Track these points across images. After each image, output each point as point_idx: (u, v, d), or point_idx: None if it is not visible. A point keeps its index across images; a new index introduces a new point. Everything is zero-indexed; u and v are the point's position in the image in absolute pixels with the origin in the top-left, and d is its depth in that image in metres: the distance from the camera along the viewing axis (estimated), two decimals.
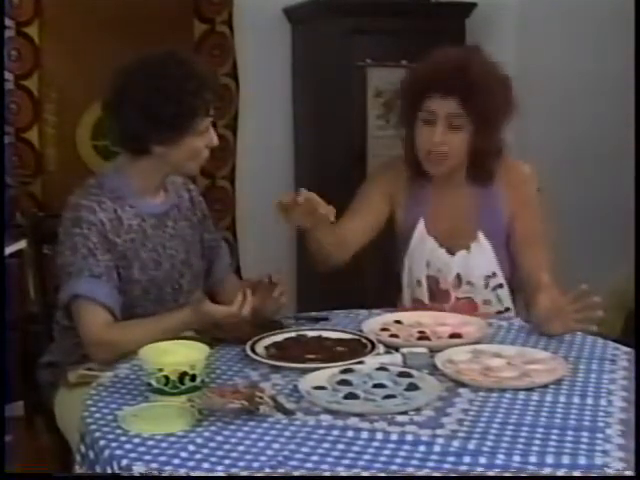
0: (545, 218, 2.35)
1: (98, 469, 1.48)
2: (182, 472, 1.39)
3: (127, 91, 2.01)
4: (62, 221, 2.06)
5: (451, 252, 2.32)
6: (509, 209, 2.32)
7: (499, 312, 2.34)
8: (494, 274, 2.32)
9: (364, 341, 1.95)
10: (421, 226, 2.34)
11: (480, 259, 2.31)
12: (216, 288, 2.29)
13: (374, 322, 2.10)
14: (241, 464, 1.41)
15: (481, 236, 2.31)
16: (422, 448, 1.45)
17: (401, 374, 1.74)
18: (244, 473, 1.39)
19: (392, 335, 2.02)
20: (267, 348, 1.93)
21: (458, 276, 2.33)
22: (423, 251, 2.33)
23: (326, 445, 1.47)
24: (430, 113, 2.23)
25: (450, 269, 2.32)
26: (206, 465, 1.41)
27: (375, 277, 2.85)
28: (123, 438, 1.51)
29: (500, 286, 2.34)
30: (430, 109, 2.23)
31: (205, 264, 2.28)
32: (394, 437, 1.49)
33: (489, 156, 2.29)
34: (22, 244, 2.66)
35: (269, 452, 1.45)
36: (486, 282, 2.33)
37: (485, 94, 2.18)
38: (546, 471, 1.38)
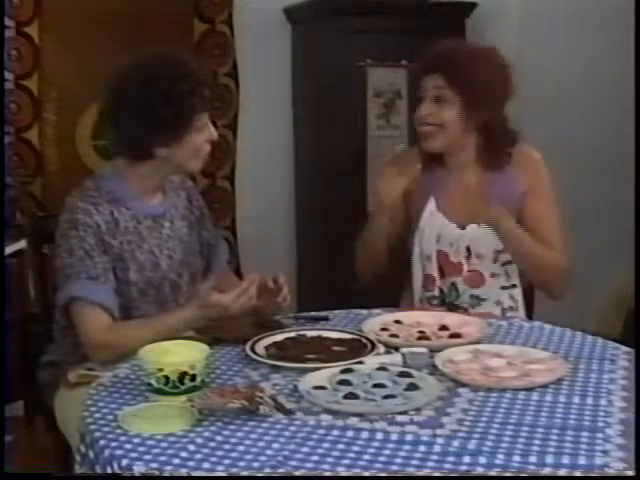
0: (557, 201, 2.40)
1: (98, 469, 1.49)
2: (182, 472, 1.39)
3: (125, 97, 2.02)
4: (59, 223, 2.06)
5: (462, 227, 2.37)
6: (521, 189, 2.37)
7: (504, 287, 2.38)
8: (504, 250, 2.36)
9: (364, 341, 1.95)
10: (432, 204, 2.39)
11: (491, 233, 2.34)
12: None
13: (374, 322, 2.10)
14: (241, 464, 1.41)
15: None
16: (422, 448, 1.45)
17: (401, 374, 1.74)
18: (244, 473, 1.39)
19: (392, 335, 2.02)
20: (267, 348, 1.93)
21: (468, 249, 2.37)
22: (433, 227, 2.38)
23: (326, 445, 1.47)
24: (420, 90, 2.35)
25: (461, 242, 2.36)
26: (206, 465, 1.41)
27: (375, 277, 2.84)
28: (123, 438, 1.51)
29: (509, 262, 2.37)
30: (420, 86, 2.35)
31: (203, 262, 2.28)
32: (394, 437, 1.49)
33: (495, 137, 2.36)
34: (22, 244, 2.66)
35: (269, 452, 1.45)
36: (495, 256, 2.37)
37: (467, 69, 2.28)
38: (546, 471, 1.38)
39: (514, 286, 2.39)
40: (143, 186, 2.12)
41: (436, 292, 2.40)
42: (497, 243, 2.34)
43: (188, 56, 2.10)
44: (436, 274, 2.39)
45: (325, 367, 1.79)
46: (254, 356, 1.87)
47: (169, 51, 2.08)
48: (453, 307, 2.38)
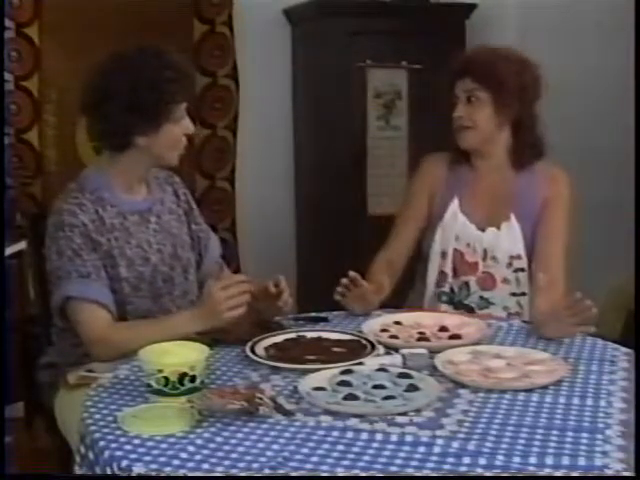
0: (572, 224, 2.47)
1: (98, 470, 1.49)
2: (182, 473, 1.39)
3: (106, 87, 2.04)
4: (47, 227, 2.08)
5: (481, 229, 2.42)
6: (541, 199, 2.43)
7: (514, 294, 2.42)
8: (519, 256, 2.40)
9: (364, 342, 1.95)
10: (455, 204, 2.45)
11: (508, 239, 2.40)
12: (207, 280, 2.29)
13: (374, 323, 2.10)
14: (241, 465, 1.41)
15: (513, 218, 2.41)
16: (422, 449, 1.45)
17: (401, 375, 1.74)
18: (244, 474, 1.39)
19: (392, 336, 2.02)
20: (267, 349, 1.93)
21: (485, 250, 2.42)
22: (454, 226, 2.43)
23: (326, 446, 1.47)
24: (455, 96, 2.43)
25: (479, 243, 2.41)
26: (206, 466, 1.41)
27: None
28: (123, 439, 1.51)
29: (522, 270, 2.41)
30: (454, 92, 2.43)
31: (195, 256, 2.29)
32: (394, 438, 1.49)
33: (526, 135, 2.44)
34: (22, 245, 2.66)
35: (269, 453, 1.45)
36: (510, 262, 2.41)
37: (495, 68, 2.36)
38: (546, 472, 1.38)
39: (523, 294, 2.43)
40: (126, 180, 2.13)
41: (446, 289, 2.44)
42: (513, 249, 2.40)
43: (168, 47, 2.11)
44: (449, 272, 2.44)
45: (325, 368, 1.79)
46: (254, 357, 1.87)
47: (149, 44, 2.11)
48: (461, 306, 2.42)
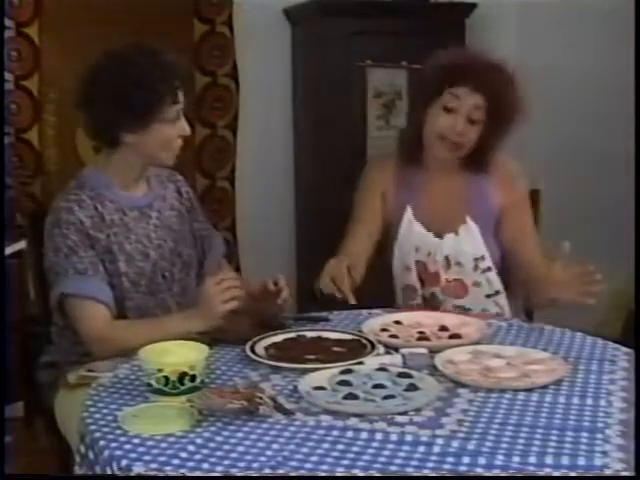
0: (535, 216, 2.46)
1: (98, 470, 1.48)
2: (181, 473, 1.39)
3: (96, 83, 2.05)
4: (45, 226, 2.08)
5: (439, 236, 2.37)
6: (499, 200, 2.39)
7: (489, 295, 2.39)
8: (483, 257, 2.37)
9: (364, 341, 1.95)
10: (409, 212, 2.38)
11: (469, 242, 2.35)
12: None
13: (374, 322, 2.10)
14: (241, 465, 1.41)
15: (469, 220, 2.36)
16: (422, 449, 1.45)
17: (401, 374, 1.74)
18: (244, 474, 1.38)
19: (392, 336, 2.02)
20: (267, 349, 1.93)
21: (447, 258, 2.36)
22: (411, 236, 2.38)
23: (326, 445, 1.47)
24: (455, 98, 2.28)
25: (439, 251, 2.36)
26: (206, 466, 1.41)
27: (374, 278, 2.85)
28: (123, 438, 1.51)
29: (489, 269, 2.38)
30: (456, 94, 2.27)
31: (198, 253, 2.29)
32: (394, 437, 1.49)
33: (490, 149, 2.36)
34: (22, 245, 2.66)
35: (269, 453, 1.45)
36: (475, 264, 2.37)
37: (508, 95, 2.28)
38: (545, 472, 1.38)
39: (497, 293, 2.39)
40: (123, 177, 2.14)
41: (419, 301, 2.40)
42: (475, 251, 2.35)
43: (163, 46, 2.10)
44: (417, 284, 2.39)
45: (325, 368, 1.79)
46: (254, 357, 1.87)
47: (144, 42, 2.12)
48: None
